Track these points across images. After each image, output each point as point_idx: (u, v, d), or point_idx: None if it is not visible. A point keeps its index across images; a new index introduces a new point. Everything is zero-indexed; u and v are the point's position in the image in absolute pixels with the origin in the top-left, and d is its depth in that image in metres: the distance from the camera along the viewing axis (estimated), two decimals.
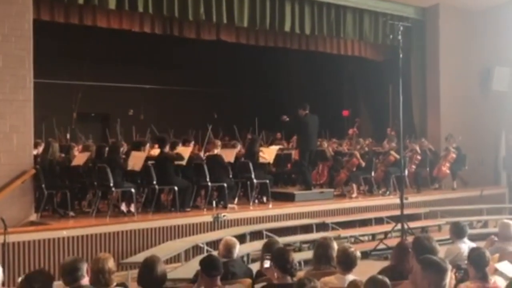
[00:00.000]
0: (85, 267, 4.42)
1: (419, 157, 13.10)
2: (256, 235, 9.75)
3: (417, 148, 13.17)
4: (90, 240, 8.31)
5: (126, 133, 14.25)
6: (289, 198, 11.37)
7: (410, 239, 6.31)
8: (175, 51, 16.76)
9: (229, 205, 10.46)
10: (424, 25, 14.63)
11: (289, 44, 13.16)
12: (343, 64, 17.15)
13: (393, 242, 8.42)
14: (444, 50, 14.37)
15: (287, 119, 11.73)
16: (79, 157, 10.38)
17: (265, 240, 8.30)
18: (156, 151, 10.57)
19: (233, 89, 18.84)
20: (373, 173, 12.55)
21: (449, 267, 4.30)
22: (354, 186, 12.34)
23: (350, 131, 15.72)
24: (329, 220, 10.77)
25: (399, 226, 9.65)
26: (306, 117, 11.60)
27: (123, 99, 17.63)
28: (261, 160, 11.43)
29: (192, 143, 11.43)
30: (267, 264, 5.08)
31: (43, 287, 4.01)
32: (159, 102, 18.24)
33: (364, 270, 4.92)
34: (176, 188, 9.91)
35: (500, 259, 5.55)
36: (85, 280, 4.40)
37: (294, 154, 12.79)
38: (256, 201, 11.20)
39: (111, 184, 9.35)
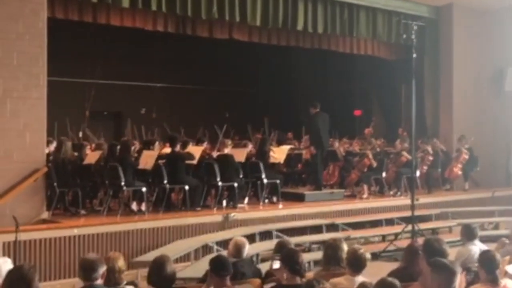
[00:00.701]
0: (102, 269, 4.44)
1: (431, 158, 13.03)
2: (265, 235, 9.75)
3: (429, 149, 13.10)
4: (100, 239, 8.35)
5: (138, 131, 14.32)
6: (299, 198, 11.35)
7: (420, 240, 6.31)
8: (188, 50, 16.80)
9: (239, 205, 10.45)
10: (437, 24, 14.55)
11: (301, 43, 13.13)
12: (355, 63, 17.10)
13: (403, 243, 8.45)
14: (458, 50, 14.29)
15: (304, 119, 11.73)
16: (91, 156, 10.44)
17: (274, 241, 8.36)
18: (167, 150, 10.61)
19: (244, 88, 18.87)
20: (384, 174, 12.50)
21: (459, 270, 4.30)
22: (365, 186, 12.30)
23: (366, 131, 15.70)
24: (339, 220, 10.74)
25: (409, 228, 9.64)
26: (317, 115, 11.59)
27: (136, 98, 17.72)
28: (271, 160, 11.43)
29: (205, 143, 11.46)
30: (276, 264, 5.09)
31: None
32: (171, 100, 18.31)
33: (374, 272, 4.92)
34: (186, 187, 9.94)
35: (510, 262, 5.53)
36: (99, 281, 4.43)
37: (305, 154, 12.78)
38: (266, 201, 11.19)
39: (122, 183, 9.39)
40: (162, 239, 8.92)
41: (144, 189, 9.64)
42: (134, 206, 9.80)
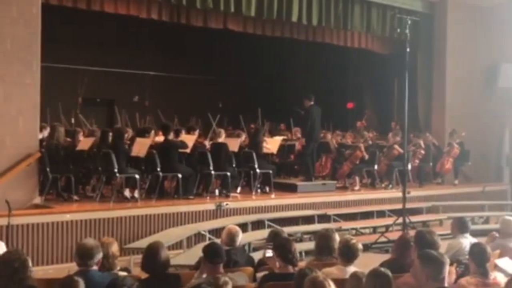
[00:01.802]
0: (99, 256, 4.45)
1: (423, 152, 13.09)
2: (258, 225, 9.82)
3: (421, 143, 13.16)
4: (93, 225, 8.37)
5: (130, 119, 14.27)
6: (292, 189, 11.40)
7: (411, 233, 6.35)
8: (182, 38, 16.73)
9: (232, 194, 10.50)
10: (432, 19, 14.57)
11: (295, 34, 13.12)
12: (349, 56, 17.11)
13: (394, 235, 8.49)
14: (452, 45, 14.32)
15: (302, 112, 11.74)
16: (84, 142, 10.41)
17: (267, 230, 8.41)
18: (160, 138, 10.60)
19: (238, 78, 18.82)
20: (376, 167, 12.55)
21: (447, 261, 4.35)
22: (357, 178, 12.36)
23: (359, 124, 15.72)
24: (331, 212, 10.80)
25: (400, 220, 9.69)
26: (311, 107, 11.62)
27: (129, 85, 17.65)
28: (264, 150, 11.44)
29: (197, 131, 11.46)
30: (269, 253, 5.12)
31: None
32: (165, 89, 18.22)
33: (365, 263, 4.96)
34: (179, 175, 9.95)
35: (500, 256, 5.59)
36: (94, 268, 4.44)
37: (298, 145, 12.82)
38: (259, 191, 11.22)
39: (115, 170, 9.39)
40: (155, 226, 8.94)
41: (137, 176, 9.64)
42: (127, 192, 9.80)
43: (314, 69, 18.37)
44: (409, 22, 10.13)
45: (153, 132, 11.04)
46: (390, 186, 12.47)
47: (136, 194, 9.70)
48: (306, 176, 11.83)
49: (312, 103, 11.61)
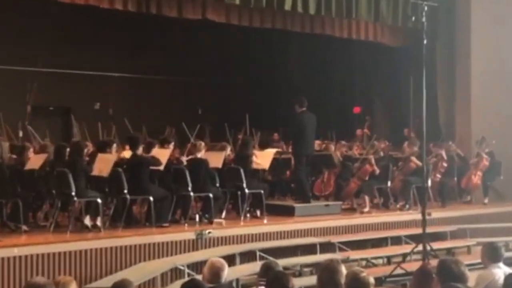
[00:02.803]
0: None
1: (445, 164, 13.13)
2: (247, 257, 9.81)
3: (443, 154, 13.21)
4: (47, 260, 8.30)
5: (91, 130, 14.23)
6: (288, 212, 11.40)
7: (433, 262, 6.37)
8: (152, 32, 16.75)
9: (216, 220, 10.48)
10: (452, 4, 14.69)
11: (289, 26, 13.19)
12: (354, 51, 17.18)
13: (413, 266, 8.48)
14: (477, 36, 14.41)
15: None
16: (34, 160, 10.35)
17: (259, 263, 8.38)
18: (127, 153, 10.57)
19: (222, 79, 18.84)
20: (389, 183, 12.57)
21: None
22: (367, 198, 12.37)
23: (359, 132, 15.75)
24: (335, 239, 10.81)
25: (420, 247, 9.69)
26: (302, 114, 11.65)
27: (88, 90, 17.61)
28: (254, 166, 11.44)
29: (172, 144, 11.45)
30: None
31: None
32: (132, 93, 18.22)
33: None
34: (151, 198, 9.91)
35: None
36: None
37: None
38: (248, 215, 11.21)
39: (73, 193, 9.34)
40: (122, 261, 8.89)
41: (99, 200, 9.60)
42: (87, 220, 9.73)
43: (312, 67, 18.42)
44: (426, 8, 10.18)
45: (115, 145, 11.00)
46: (407, 206, 12.49)
47: (99, 222, 9.64)
48: (302, 196, 11.83)
49: (303, 108, 11.64)
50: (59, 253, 8.43)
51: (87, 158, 10.41)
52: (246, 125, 14.18)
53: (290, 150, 13.55)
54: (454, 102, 14.81)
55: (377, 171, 12.49)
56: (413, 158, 12.56)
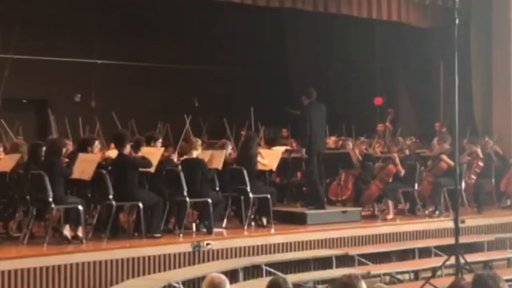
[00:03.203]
0: None
1: (481, 164, 13.12)
2: (252, 272, 9.79)
3: (479, 151, 13.19)
4: (20, 277, 8.29)
5: (71, 127, 14.23)
6: (299, 220, 11.40)
7: (468, 278, 6.34)
8: (142, 13, 16.76)
9: (215, 229, 10.45)
10: None
11: (300, 4, 13.17)
12: (375, 33, 17.19)
13: (444, 282, 8.47)
14: None
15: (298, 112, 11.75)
16: (5, 161, 10.39)
17: (265, 279, 8.37)
18: (113, 153, 10.57)
19: (221, 67, 18.85)
20: (416, 186, 12.54)
21: None
22: (390, 203, 12.35)
23: (380, 127, 15.71)
24: (354, 251, 10.79)
25: (452, 260, 9.67)
26: (310, 106, 11.63)
27: (67, 80, 17.63)
28: (260, 166, 11.45)
29: (160, 141, 11.40)
30: None
31: None
32: (118, 83, 18.24)
33: None
34: (140, 204, 9.91)
35: None
36: None
37: None
38: (253, 223, 11.23)
39: (50, 199, 9.33)
40: (107, 278, 8.89)
41: (80, 207, 9.59)
42: (66, 231, 9.73)
43: (326, 51, 18.42)
44: None
45: (97, 143, 10.98)
46: (437, 212, 12.47)
47: (80, 233, 9.65)
48: (315, 201, 11.80)
49: (311, 100, 11.61)
50: (34, 269, 8.42)
51: (66, 159, 10.40)
52: (250, 119, 14.17)
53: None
54: (491, 92, 14.78)
55: (402, 172, 12.45)
56: (444, 157, 12.53)
